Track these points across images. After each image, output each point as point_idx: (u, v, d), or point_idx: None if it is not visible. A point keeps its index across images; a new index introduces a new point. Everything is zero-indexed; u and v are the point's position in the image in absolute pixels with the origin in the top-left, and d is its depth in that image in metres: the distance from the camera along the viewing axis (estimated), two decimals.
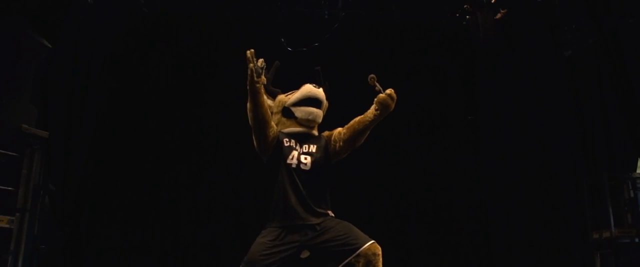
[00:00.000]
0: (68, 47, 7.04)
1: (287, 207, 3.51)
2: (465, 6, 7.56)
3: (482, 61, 8.15)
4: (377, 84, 3.61)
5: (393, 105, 3.61)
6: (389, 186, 7.74)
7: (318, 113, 3.78)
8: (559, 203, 7.67)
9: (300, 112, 3.74)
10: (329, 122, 3.94)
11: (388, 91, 3.59)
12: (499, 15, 7.63)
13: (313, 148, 3.70)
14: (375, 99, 3.61)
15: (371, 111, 3.66)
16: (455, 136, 8.03)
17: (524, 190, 7.73)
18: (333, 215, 3.64)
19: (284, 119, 3.81)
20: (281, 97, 3.87)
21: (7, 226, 5.23)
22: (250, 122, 3.65)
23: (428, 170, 7.80)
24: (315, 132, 3.85)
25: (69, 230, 6.75)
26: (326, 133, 3.87)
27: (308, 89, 3.76)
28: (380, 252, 3.44)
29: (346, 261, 3.41)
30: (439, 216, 7.74)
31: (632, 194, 6.94)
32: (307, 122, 3.77)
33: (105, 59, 7.47)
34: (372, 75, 3.60)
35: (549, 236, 7.52)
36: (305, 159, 3.63)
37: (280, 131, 3.77)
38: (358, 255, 3.40)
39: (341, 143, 3.76)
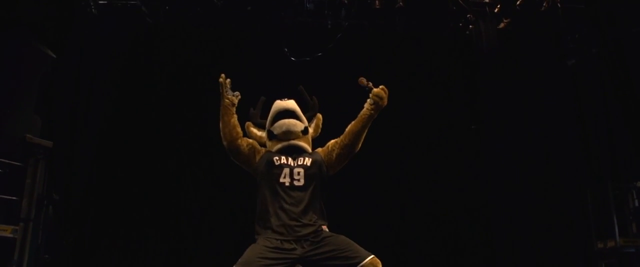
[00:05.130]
0: (72, 58, 7.08)
1: (280, 225, 3.46)
2: (468, 16, 7.57)
3: (485, 71, 8.15)
4: (369, 83, 3.68)
5: (386, 99, 3.67)
6: (392, 196, 7.71)
7: (291, 122, 3.74)
8: (563, 212, 7.65)
9: (276, 128, 3.74)
10: (331, 132, 3.92)
11: (381, 86, 3.68)
12: (502, 25, 7.64)
13: (307, 161, 3.65)
14: (371, 94, 3.66)
15: (366, 107, 3.70)
16: (459, 146, 8.01)
17: (528, 199, 7.71)
18: (327, 230, 3.59)
19: (270, 143, 3.82)
20: (253, 130, 4.01)
21: (10, 235, 5.24)
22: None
23: (432, 179, 7.78)
24: (308, 147, 3.82)
25: (72, 240, 6.75)
26: (320, 149, 3.84)
27: (275, 104, 3.80)
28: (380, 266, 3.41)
29: None
30: (443, 225, 7.71)
31: (636, 203, 6.93)
32: (287, 135, 3.74)
33: (109, 70, 7.49)
34: (361, 77, 3.69)
35: (553, 245, 7.50)
36: (298, 173, 3.60)
37: (268, 151, 3.78)
38: None
39: (338, 150, 3.73)
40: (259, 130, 3.97)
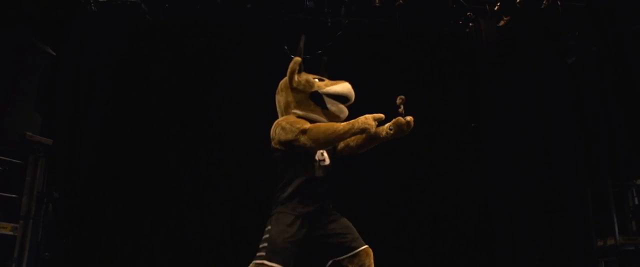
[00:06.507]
0: (72, 55, 7.08)
1: (309, 200, 3.49)
2: (468, 13, 7.57)
3: (485, 68, 8.15)
4: (403, 107, 3.57)
5: (407, 133, 3.61)
6: (391, 194, 7.71)
7: (345, 113, 3.74)
8: (563, 210, 7.65)
9: (334, 106, 3.66)
10: None
11: (409, 118, 3.57)
12: (502, 23, 7.65)
13: None
14: (394, 120, 3.57)
15: (384, 129, 3.62)
16: (459, 144, 8.01)
17: (528, 197, 7.71)
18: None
19: (311, 103, 3.67)
20: (309, 76, 3.73)
21: (10, 233, 5.25)
22: (321, 136, 3.42)
23: (431, 177, 7.78)
24: None
25: (72, 237, 6.75)
26: None
27: (349, 88, 3.71)
28: (372, 257, 3.55)
29: (342, 257, 3.52)
30: (442, 223, 7.72)
31: (636, 201, 6.93)
32: (333, 118, 3.69)
33: (109, 67, 7.49)
34: (402, 96, 3.57)
35: (553, 244, 7.50)
36: (323, 154, 3.62)
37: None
38: (355, 255, 3.50)
39: (344, 145, 3.79)
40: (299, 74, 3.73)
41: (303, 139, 3.40)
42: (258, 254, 3.35)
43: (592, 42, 7.72)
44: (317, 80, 3.73)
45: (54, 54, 6.15)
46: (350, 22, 7.65)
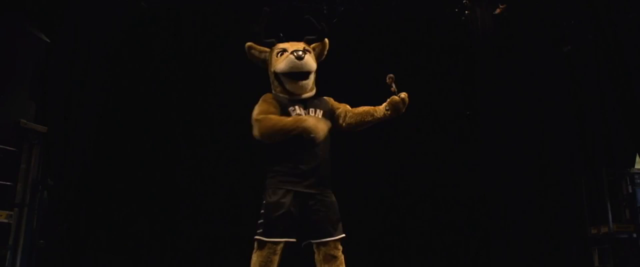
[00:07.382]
0: (67, 42, 7.03)
1: (301, 175, 3.48)
2: (464, 1, 7.56)
3: (480, 56, 8.14)
4: (394, 85, 3.60)
5: (404, 110, 3.63)
6: (386, 181, 7.73)
7: (306, 84, 3.66)
8: (557, 198, 7.67)
9: (289, 84, 3.65)
10: None
11: (402, 95, 3.59)
12: (497, 11, 7.64)
13: (319, 113, 3.64)
14: (389, 99, 3.61)
15: (381, 110, 3.66)
16: (454, 131, 8.02)
17: (522, 185, 7.72)
18: (331, 191, 3.67)
19: (276, 83, 3.71)
20: (266, 52, 3.80)
21: (5, 220, 5.26)
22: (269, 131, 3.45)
23: (426, 165, 7.80)
24: (314, 92, 3.76)
25: (67, 225, 6.74)
26: (332, 101, 3.83)
27: (292, 62, 3.60)
28: (340, 249, 3.56)
29: (315, 240, 3.54)
30: (437, 211, 7.74)
31: (630, 190, 6.97)
32: (300, 90, 3.67)
33: (104, 54, 7.46)
34: (391, 75, 3.60)
35: (547, 231, 7.53)
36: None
37: (278, 95, 3.67)
38: (326, 243, 3.51)
39: (345, 125, 3.79)
40: (261, 52, 3.80)
41: (255, 130, 3.45)
42: (257, 230, 3.42)
43: (588, 30, 7.70)
44: (276, 54, 3.70)
45: (49, 41, 6.12)
46: (346, 9, 7.62)
